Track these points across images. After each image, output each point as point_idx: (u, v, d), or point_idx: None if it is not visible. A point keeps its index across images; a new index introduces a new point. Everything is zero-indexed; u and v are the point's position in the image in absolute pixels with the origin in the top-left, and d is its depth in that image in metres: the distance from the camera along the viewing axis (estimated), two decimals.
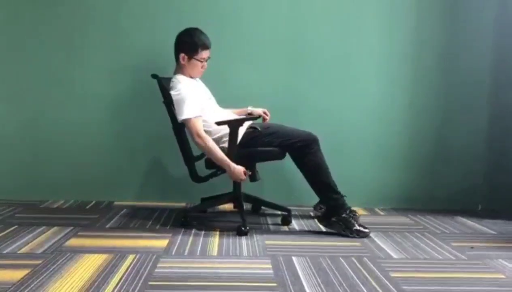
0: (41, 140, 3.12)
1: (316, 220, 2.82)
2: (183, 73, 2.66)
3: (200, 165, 2.68)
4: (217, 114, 2.65)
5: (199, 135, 2.48)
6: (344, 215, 2.53)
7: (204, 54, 2.63)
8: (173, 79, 2.62)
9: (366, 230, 2.53)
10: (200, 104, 2.57)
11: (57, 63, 3.08)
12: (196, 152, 2.68)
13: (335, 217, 2.54)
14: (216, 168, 2.59)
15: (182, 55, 2.61)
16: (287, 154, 2.63)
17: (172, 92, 2.55)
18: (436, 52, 3.21)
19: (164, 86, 2.61)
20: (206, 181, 2.69)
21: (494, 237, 2.64)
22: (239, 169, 2.48)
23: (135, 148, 3.15)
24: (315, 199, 2.70)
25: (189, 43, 2.60)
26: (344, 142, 3.18)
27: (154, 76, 2.61)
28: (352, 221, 2.53)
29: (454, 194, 3.27)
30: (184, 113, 2.50)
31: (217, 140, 2.56)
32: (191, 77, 2.68)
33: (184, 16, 3.05)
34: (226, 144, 2.53)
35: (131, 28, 3.08)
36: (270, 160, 2.65)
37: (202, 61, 2.64)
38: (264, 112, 2.85)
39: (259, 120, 2.81)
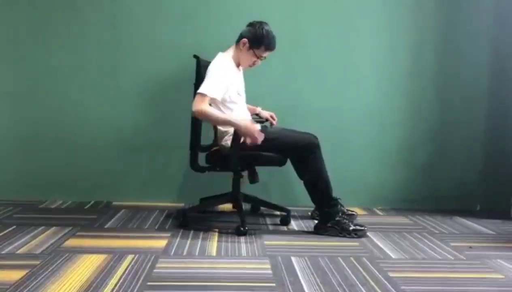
0: (39, 140, 3.11)
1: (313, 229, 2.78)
2: (233, 55, 2.61)
3: (201, 157, 2.67)
4: (240, 111, 2.61)
5: (199, 110, 2.36)
6: (337, 218, 2.53)
7: (264, 54, 2.59)
8: (218, 55, 2.58)
9: (363, 228, 2.53)
10: (223, 92, 2.49)
11: (55, 63, 3.08)
12: (203, 142, 2.67)
13: (330, 222, 2.53)
14: (216, 165, 2.58)
15: (244, 40, 2.55)
16: None
17: (210, 66, 2.50)
18: (435, 52, 3.21)
19: (201, 69, 2.57)
20: (203, 171, 2.66)
21: (492, 237, 2.65)
22: (253, 126, 2.37)
23: (134, 148, 3.14)
24: None
25: (258, 36, 2.53)
26: (343, 143, 3.18)
27: (196, 56, 2.59)
28: (347, 222, 2.53)
29: (452, 194, 3.28)
30: (203, 88, 2.40)
31: (222, 136, 2.56)
32: (238, 64, 2.65)
33: (184, 16, 3.06)
34: (229, 142, 2.50)
35: (130, 30, 3.08)
36: (270, 166, 2.63)
37: (257, 58, 2.60)
38: (271, 116, 2.85)
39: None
